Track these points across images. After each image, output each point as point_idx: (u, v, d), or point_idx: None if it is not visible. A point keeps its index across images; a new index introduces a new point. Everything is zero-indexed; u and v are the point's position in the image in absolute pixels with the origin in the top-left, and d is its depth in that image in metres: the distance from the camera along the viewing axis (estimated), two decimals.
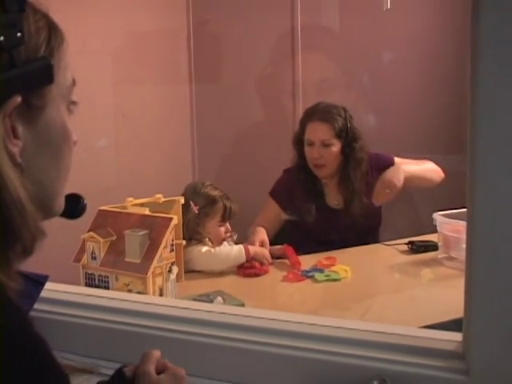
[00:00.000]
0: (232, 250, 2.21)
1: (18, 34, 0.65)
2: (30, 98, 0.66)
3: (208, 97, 3.33)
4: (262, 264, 2.22)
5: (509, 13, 0.83)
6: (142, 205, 1.88)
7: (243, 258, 2.19)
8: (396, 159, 2.53)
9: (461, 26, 2.81)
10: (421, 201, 3.14)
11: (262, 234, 2.39)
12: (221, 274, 2.17)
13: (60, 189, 0.74)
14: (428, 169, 2.54)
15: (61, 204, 0.75)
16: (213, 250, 2.20)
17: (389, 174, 2.35)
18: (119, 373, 0.91)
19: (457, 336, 1.01)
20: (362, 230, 2.46)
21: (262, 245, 2.33)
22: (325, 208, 2.50)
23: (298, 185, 2.54)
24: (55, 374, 0.61)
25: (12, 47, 0.64)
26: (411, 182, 2.40)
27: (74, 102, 0.74)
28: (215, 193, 2.37)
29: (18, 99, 0.64)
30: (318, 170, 2.50)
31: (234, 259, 2.19)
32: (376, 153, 2.55)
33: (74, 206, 0.78)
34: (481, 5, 0.84)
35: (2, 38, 0.62)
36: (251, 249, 2.23)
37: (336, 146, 2.45)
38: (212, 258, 2.17)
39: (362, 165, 2.48)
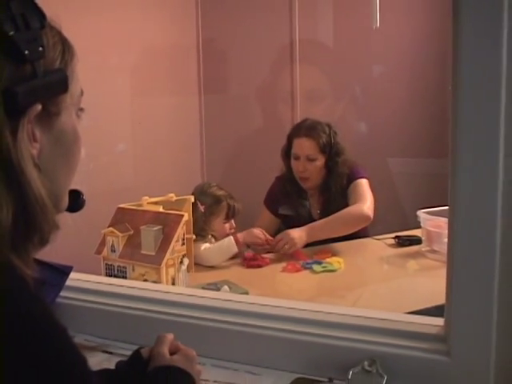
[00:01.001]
0: (223, 243, 2.19)
1: (40, 49, 0.65)
2: (48, 105, 0.67)
3: (215, 106, 3.33)
4: (256, 244, 2.21)
5: (487, 22, 0.84)
6: (156, 203, 1.88)
7: (234, 247, 2.16)
8: (361, 180, 2.42)
9: (444, 42, 2.81)
10: (406, 200, 3.14)
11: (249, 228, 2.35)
12: (227, 265, 2.17)
13: (68, 186, 0.75)
14: (343, 217, 2.30)
15: (66, 200, 0.75)
16: (208, 245, 2.18)
17: (292, 232, 2.22)
18: (137, 353, 0.91)
19: (439, 321, 1.01)
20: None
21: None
22: (309, 216, 2.47)
23: (286, 193, 2.51)
24: (74, 358, 0.61)
25: (34, 60, 0.64)
26: (317, 236, 2.28)
27: (81, 109, 0.74)
28: (220, 193, 2.37)
29: (39, 107, 0.65)
30: (303, 181, 2.47)
31: (227, 250, 2.16)
32: (354, 166, 2.47)
33: (75, 201, 0.78)
34: (460, 13, 0.85)
35: (26, 51, 0.63)
36: (239, 236, 2.20)
37: (320, 161, 2.42)
38: (208, 254, 2.14)
39: (343, 178, 2.43)
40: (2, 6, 0.63)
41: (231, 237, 2.19)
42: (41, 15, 0.67)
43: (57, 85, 0.67)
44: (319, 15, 3.22)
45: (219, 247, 2.18)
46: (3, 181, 0.61)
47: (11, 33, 0.62)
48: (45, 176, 0.66)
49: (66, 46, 0.70)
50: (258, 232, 2.26)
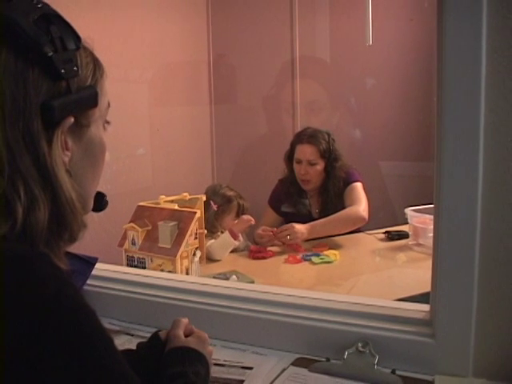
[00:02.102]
0: (221, 238, 2.17)
1: (74, 68, 0.66)
2: (80, 118, 0.67)
3: (225, 115, 3.33)
4: (249, 221, 2.19)
5: (468, 36, 0.84)
6: (171, 201, 1.88)
7: (232, 240, 2.14)
8: (356, 183, 2.41)
9: (430, 57, 2.80)
10: (395, 198, 3.13)
11: None
12: (235, 257, 2.17)
13: (94, 190, 0.75)
14: (341, 218, 2.30)
15: (92, 202, 0.75)
16: (213, 241, 2.16)
17: (296, 225, 2.22)
18: (155, 335, 0.91)
19: (425, 307, 1.01)
20: None
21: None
22: (309, 215, 2.46)
23: (288, 193, 2.51)
24: (103, 336, 0.61)
25: (69, 78, 0.65)
26: (317, 233, 2.28)
27: (107, 122, 0.75)
28: (231, 193, 2.37)
29: (72, 119, 0.66)
30: (304, 184, 2.46)
31: (226, 244, 2.14)
32: (350, 170, 2.46)
33: (99, 202, 0.78)
34: (443, 30, 0.85)
35: (63, 70, 0.64)
36: (233, 228, 2.18)
37: (320, 165, 2.41)
38: (211, 250, 2.12)
39: (340, 181, 2.42)
40: (44, 30, 0.64)
41: (227, 231, 2.17)
42: (76, 38, 0.68)
43: (88, 100, 0.68)
44: (317, 34, 3.22)
45: (219, 242, 2.16)
46: (40, 184, 0.62)
47: (50, 54, 0.63)
48: (74, 180, 0.67)
49: (96, 65, 0.71)
50: (247, 217, 2.24)
